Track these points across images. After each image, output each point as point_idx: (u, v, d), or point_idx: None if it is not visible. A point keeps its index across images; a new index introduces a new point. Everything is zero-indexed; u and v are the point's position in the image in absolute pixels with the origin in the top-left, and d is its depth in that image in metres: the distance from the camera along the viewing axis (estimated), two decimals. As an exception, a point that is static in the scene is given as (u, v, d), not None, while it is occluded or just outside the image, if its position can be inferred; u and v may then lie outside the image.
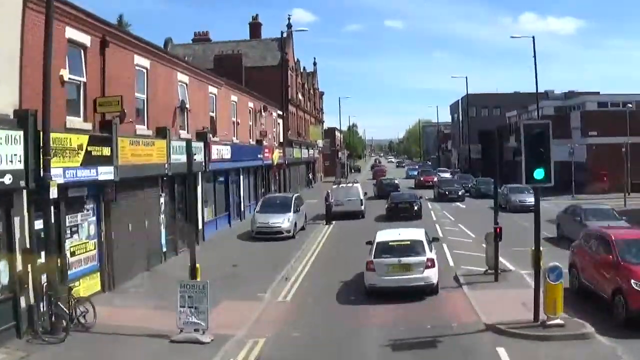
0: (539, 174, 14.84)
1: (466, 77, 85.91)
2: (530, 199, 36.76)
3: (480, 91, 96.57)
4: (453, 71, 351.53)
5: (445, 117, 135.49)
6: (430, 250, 19.69)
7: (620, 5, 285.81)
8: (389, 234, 21.10)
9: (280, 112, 53.24)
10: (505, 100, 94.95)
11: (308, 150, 73.65)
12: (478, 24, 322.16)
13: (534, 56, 53.91)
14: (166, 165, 24.77)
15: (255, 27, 67.15)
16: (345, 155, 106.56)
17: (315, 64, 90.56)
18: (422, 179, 71.63)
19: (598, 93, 69.81)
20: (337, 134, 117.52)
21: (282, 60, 55.12)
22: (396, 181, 60.57)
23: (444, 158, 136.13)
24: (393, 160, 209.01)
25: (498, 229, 20.51)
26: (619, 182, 46.85)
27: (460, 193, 53.33)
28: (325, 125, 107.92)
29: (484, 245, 22.16)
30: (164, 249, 25.49)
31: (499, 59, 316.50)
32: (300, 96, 69.88)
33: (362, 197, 42.05)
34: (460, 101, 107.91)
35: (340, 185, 43.45)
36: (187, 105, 28.55)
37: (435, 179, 65.40)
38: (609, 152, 49.20)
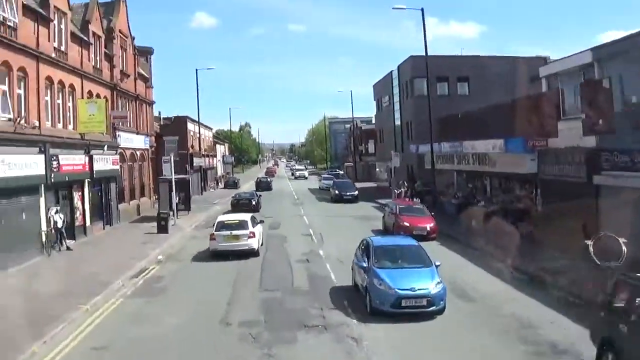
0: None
1: (422, 9, 42.25)
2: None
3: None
4: (359, 77, 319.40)
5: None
6: (254, 227, 28.44)
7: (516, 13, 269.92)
8: (226, 216, 31.62)
9: None
10: (486, 67, 50.72)
11: (51, 158, 29.30)
12: (381, 29, 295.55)
13: None
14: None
15: None
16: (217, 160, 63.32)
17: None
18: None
19: None
20: (193, 126, 72.81)
21: None
22: (269, 179, 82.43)
23: (362, 166, 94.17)
24: (296, 166, 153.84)
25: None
26: None
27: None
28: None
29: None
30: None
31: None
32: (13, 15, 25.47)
33: None
34: (396, 72, 64.54)
35: None
36: None
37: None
38: None
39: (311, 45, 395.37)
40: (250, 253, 27.38)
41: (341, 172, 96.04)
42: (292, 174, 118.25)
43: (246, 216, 30.04)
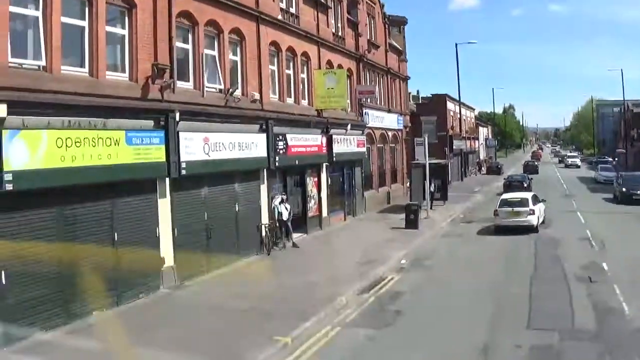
0: None
1: None
2: None
3: None
4: (625, 58, 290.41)
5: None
6: (534, 204, 29.94)
7: None
8: (508, 195, 33.15)
9: None
10: None
11: (276, 138, 24.88)
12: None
13: None
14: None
15: None
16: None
17: None
18: None
19: None
20: (452, 106, 66.32)
21: None
22: (535, 163, 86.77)
23: (634, 154, 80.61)
24: (565, 152, 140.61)
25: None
26: None
27: None
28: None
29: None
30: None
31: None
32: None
33: None
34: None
35: None
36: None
37: None
38: None
39: (572, 26, 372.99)
40: (530, 229, 28.94)
41: (610, 160, 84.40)
42: (560, 161, 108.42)
43: (527, 194, 32.44)
